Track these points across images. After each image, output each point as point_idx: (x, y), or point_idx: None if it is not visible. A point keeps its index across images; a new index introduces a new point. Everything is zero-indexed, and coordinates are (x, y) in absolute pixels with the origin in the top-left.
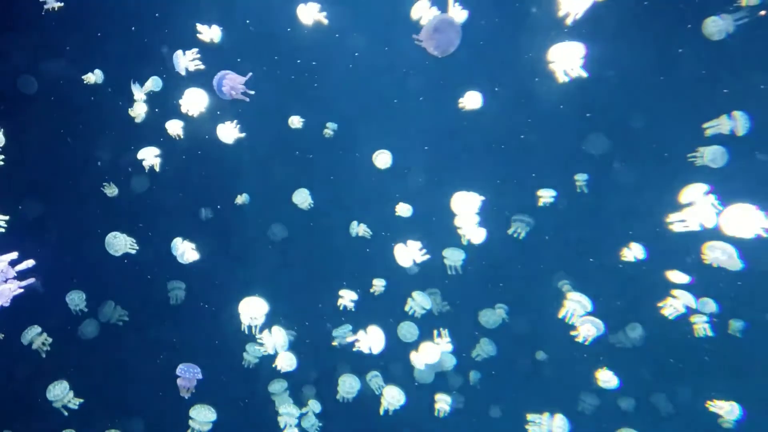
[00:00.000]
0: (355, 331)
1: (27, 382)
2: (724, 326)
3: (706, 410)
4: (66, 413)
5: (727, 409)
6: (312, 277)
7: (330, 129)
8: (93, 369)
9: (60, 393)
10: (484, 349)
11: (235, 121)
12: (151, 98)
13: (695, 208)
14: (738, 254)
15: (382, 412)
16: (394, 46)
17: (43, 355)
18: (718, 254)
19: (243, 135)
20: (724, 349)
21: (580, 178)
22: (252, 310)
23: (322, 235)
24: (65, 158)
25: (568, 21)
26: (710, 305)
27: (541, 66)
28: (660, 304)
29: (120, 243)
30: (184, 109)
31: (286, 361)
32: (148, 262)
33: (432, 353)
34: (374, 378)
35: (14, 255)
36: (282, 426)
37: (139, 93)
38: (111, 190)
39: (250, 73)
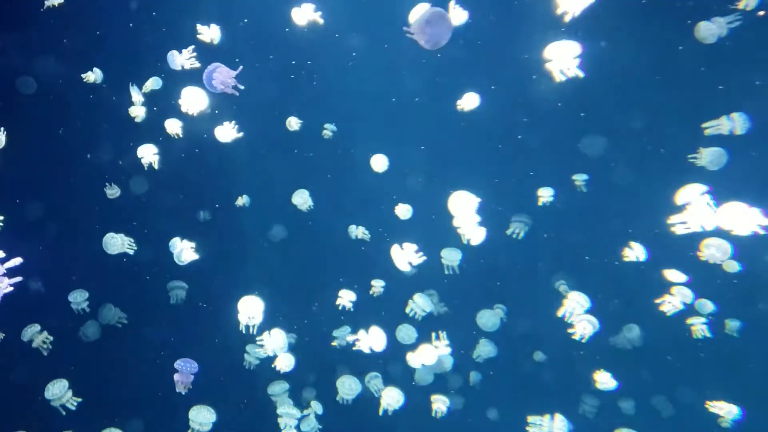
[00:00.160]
0: (354, 332)
1: (26, 381)
2: (721, 326)
3: (706, 410)
4: (64, 413)
5: (726, 409)
6: (311, 277)
7: (329, 130)
8: (92, 368)
9: (58, 392)
10: (484, 349)
11: (234, 121)
12: (151, 97)
13: (692, 208)
14: (733, 252)
15: (381, 412)
16: (393, 46)
17: (45, 353)
18: (713, 251)
19: (241, 135)
20: (722, 349)
21: (580, 178)
22: (250, 309)
23: (322, 236)
24: (64, 157)
25: (566, 20)
26: (708, 306)
27: (539, 65)
28: (658, 301)
29: (117, 243)
30: (183, 109)
31: (286, 362)
32: (147, 262)
33: (430, 355)
34: (373, 379)
35: (1, 253)
36: (282, 427)
37: (137, 95)
38: (112, 191)
39: (241, 67)
